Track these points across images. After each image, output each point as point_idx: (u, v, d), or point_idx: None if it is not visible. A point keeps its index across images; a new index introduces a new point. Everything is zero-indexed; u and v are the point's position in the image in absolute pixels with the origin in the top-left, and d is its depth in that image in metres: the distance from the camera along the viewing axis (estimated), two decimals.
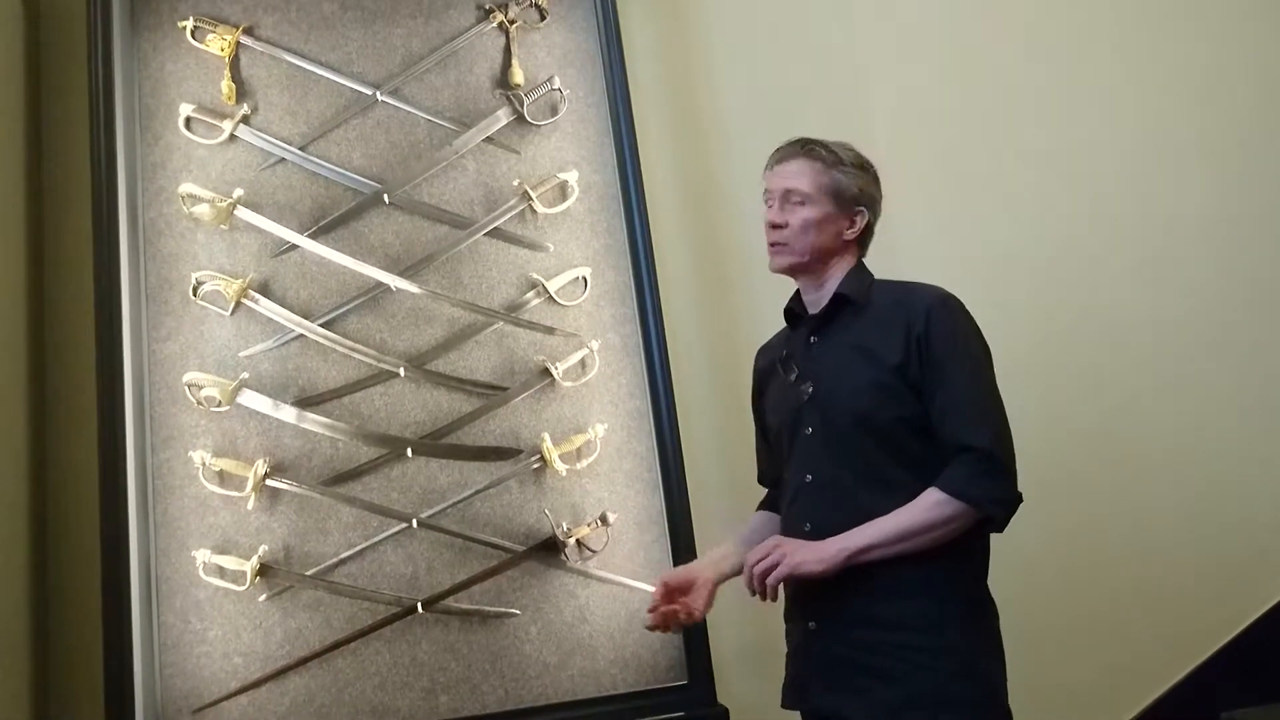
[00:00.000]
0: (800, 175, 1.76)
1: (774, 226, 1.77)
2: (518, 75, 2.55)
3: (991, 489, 1.61)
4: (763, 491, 2.00)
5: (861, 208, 1.79)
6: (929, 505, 1.61)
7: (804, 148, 1.79)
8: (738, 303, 2.64)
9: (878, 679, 1.59)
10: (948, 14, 2.91)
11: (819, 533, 1.66)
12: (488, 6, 2.58)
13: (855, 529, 1.62)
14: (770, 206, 1.79)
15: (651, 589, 2.34)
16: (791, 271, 1.80)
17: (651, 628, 1.78)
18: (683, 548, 2.35)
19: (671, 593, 1.78)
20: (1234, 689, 2.56)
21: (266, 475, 2.28)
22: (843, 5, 2.88)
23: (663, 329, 2.44)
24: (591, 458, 2.42)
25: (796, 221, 1.75)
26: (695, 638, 2.32)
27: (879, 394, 1.67)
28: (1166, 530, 2.68)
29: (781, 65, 2.81)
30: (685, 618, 1.76)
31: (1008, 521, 1.65)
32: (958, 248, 2.75)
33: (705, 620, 2.30)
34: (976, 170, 2.83)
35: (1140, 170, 2.88)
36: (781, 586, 1.66)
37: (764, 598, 1.65)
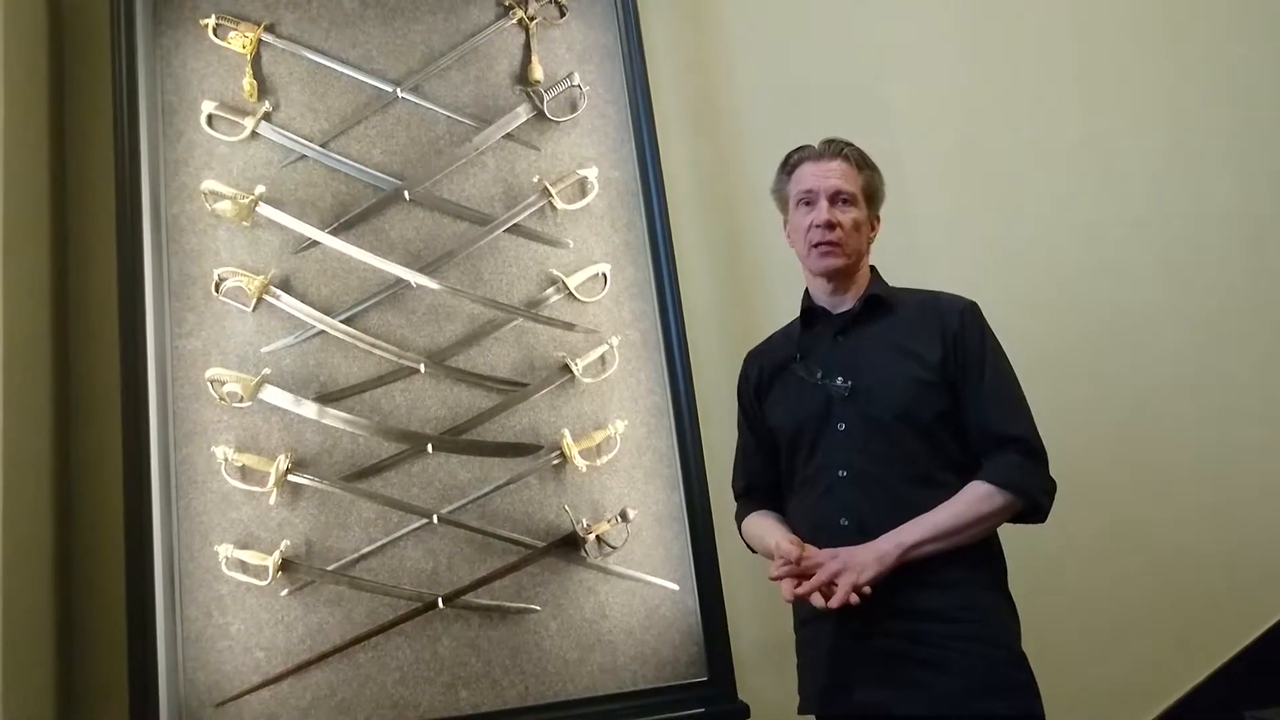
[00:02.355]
0: (845, 177, 1.78)
1: (829, 226, 1.75)
2: (537, 71, 2.55)
3: (1041, 479, 1.66)
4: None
5: (878, 211, 1.84)
6: (978, 498, 1.63)
7: (839, 150, 1.80)
8: (757, 298, 2.64)
9: (935, 671, 1.59)
10: (968, 8, 2.90)
11: (858, 527, 1.66)
12: (507, 3, 2.58)
13: (906, 525, 1.62)
14: (812, 206, 1.78)
15: (671, 585, 2.37)
16: (836, 273, 1.79)
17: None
18: (702, 544, 2.35)
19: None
20: (1258, 688, 2.56)
21: (288, 471, 2.29)
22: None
23: (683, 325, 2.44)
24: (611, 454, 2.42)
25: (848, 222, 1.77)
26: (715, 634, 2.32)
27: (922, 390, 1.69)
28: (1191, 528, 2.67)
29: (800, 60, 2.80)
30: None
31: (1049, 511, 1.67)
32: (978, 245, 2.75)
33: (725, 616, 2.32)
34: (996, 167, 2.82)
35: (1163, 166, 2.86)
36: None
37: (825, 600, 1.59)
